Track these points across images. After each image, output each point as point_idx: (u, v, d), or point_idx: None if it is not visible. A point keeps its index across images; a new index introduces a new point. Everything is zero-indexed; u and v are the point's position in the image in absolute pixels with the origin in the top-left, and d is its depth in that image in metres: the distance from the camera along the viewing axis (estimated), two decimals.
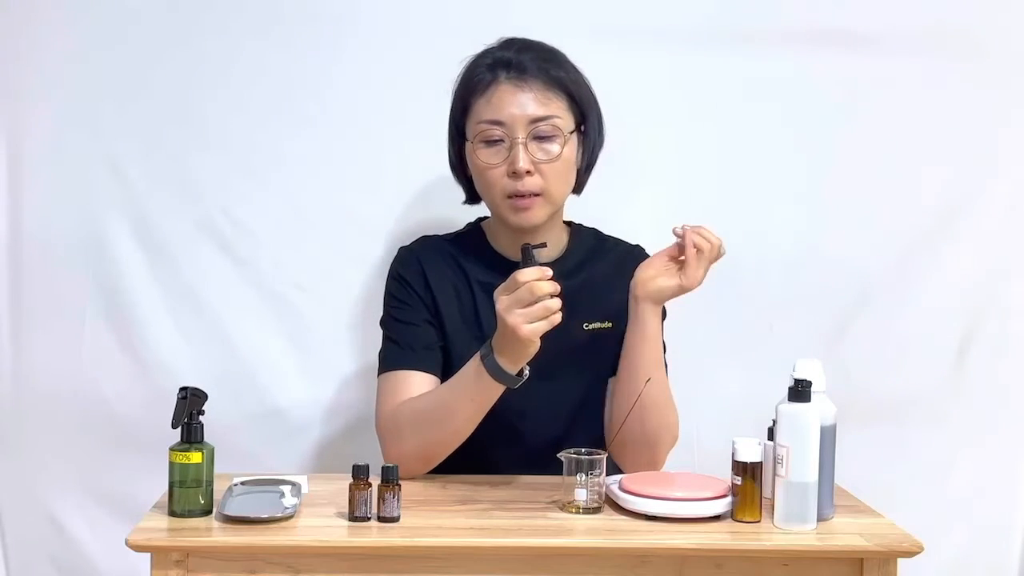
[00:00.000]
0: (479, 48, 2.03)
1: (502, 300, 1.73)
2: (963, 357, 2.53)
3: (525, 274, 1.71)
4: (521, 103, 1.90)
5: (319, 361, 2.46)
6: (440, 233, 2.15)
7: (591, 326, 2.00)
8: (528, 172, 1.89)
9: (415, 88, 2.42)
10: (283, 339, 2.46)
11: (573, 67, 1.98)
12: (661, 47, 2.44)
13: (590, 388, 1.99)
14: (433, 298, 1.98)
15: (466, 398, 1.83)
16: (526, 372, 1.79)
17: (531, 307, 1.70)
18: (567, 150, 1.93)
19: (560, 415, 1.99)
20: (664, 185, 2.47)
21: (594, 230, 2.12)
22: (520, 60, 1.92)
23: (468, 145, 1.94)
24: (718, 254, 1.89)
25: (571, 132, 1.94)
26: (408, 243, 2.11)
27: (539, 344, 1.74)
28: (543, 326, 1.71)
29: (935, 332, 2.53)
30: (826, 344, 2.45)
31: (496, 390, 1.80)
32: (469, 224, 2.14)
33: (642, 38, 2.43)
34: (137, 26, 2.40)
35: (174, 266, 2.43)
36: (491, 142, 1.91)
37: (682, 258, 1.88)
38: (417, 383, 1.93)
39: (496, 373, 1.77)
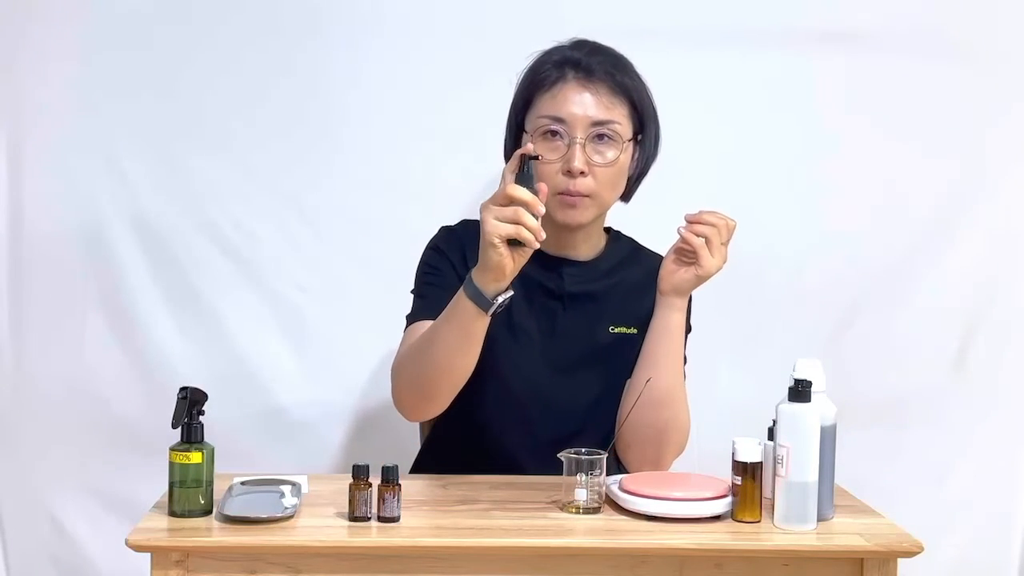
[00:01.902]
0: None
1: (485, 204, 1.74)
2: (963, 357, 2.54)
3: (507, 179, 1.74)
4: (584, 103, 1.90)
5: (319, 361, 2.47)
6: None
7: (616, 329, 2.00)
8: (582, 173, 1.89)
9: (418, 89, 2.42)
10: (283, 339, 2.46)
11: (639, 76, 1.98)
12: (660, 47, 2.44)
13: (608, 389, 1.99)
14: (469, 273, 1.98)
15: (447, 324, 1.81)
16: (499, 300, 1.75)
17: (503, 207, 1.70)
18: (623, 157, 1.93)
19: (577, 411, 1.99)
20: (663, 185, 2.47)
21: (632, 239, 2.12)
22: (589, 62, 1.93)
23: (526, 138, 1.94)
24: (728, 233, 1.88)
25: (629, 140, 1.94)
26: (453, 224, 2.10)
27: (508, 260, 1.71)
28: (508, 228, 1.68)
29: (935, 332, 2.53)
30: (826, 344, 2.45)
31: (473, 315, 1.76)
32: None
33: (643, 38, 2.43)
34: (138, 26, 2.40)
35: (174, 266, 2.43)
36: (550, 138, 1.91)
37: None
38: None
39: (470, 290, 1.75)
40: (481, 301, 1.75)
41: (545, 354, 1.99)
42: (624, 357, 1.99)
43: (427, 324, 1.91)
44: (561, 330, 1.99)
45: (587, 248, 2.02)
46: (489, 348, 1.87)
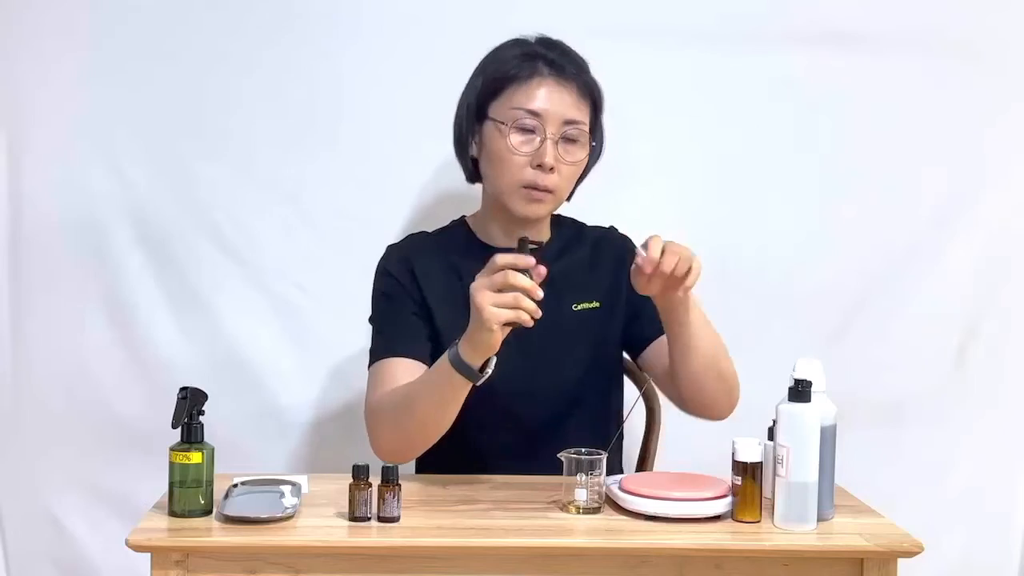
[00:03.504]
0: (480, 47, 2.03)
1: (477, 279, 1.70)
2: (963, 357, 2.54)
3: (505, 258, 1.68)
4: (560, 101, 1.93)
5: (319, 361, 2.47)
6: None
7: (579, 306, 2.02)
8: (551, 168, 1.92)
9: (417, 89, 2.42)
10: (283, 339, 2.46)
11: (596, 82, 2.01)
12: (660, 48, 2.45)
13: (589, 368, 2.00)
14: (421, 292, 1.99)
15: (431, 388, 1.81)
16: (488, 371, 1.75)
17: (502, 293, 1.67)
18: (583, 157, 1.97)
19: (560, 395, 2.00)
20: (663, 185, 2.48)
21: (573, 220, 2.13)
22: (561, 63, 1.95)
23: (490, 126, 1.95)
24: (690, 262, 1.78)
25: (589, 141, 1.97)
26: (398, 241, 2.11)
27: (500, 339, 1.69)
28: (508, 315, 1.66)
29: (935, 332, 2.53)
30: (826, 344, 2.45)
31: (459, 385, 1.76)
32: (453, 221, 2.14)
33: (642, 38, 2.44)
34: (138, 26, 2.40)
35: (174, 266, 2.43)
36: (524, 131, 1.93)
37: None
38: (403, 371, 1.92)
39: (457, 364, 1.74)
40: (470, 374, 1.74)
41: (516, 345, 1.97)
42: (591, 331, 2.02)
43: (395, 362, 1.92)
44: None
45: (537, 234, 2.04)
46: None
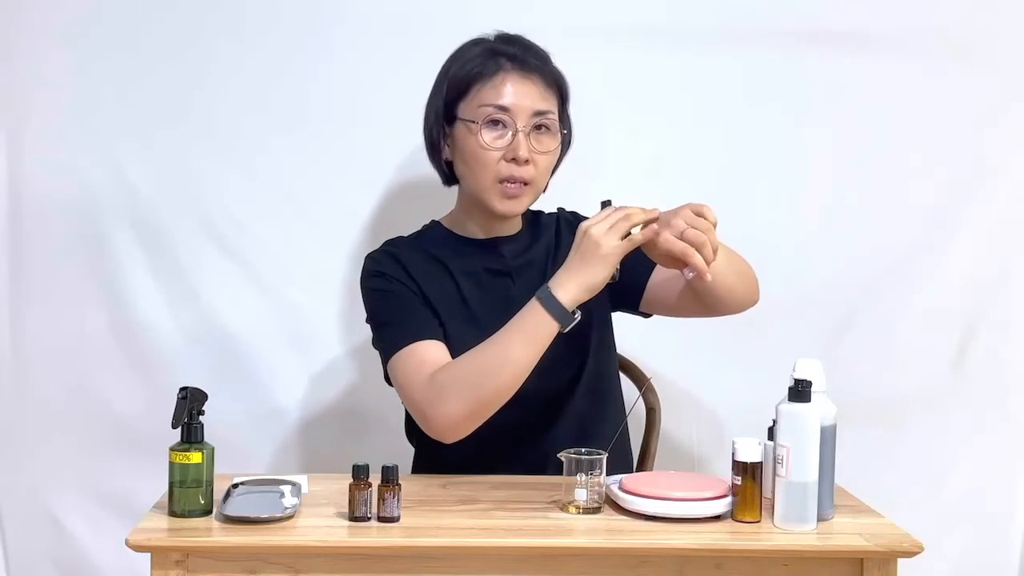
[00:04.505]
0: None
1: (585, 222, 1.81)
2: (963, 357, 2.54)
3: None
4: (526, 94, 1.94)
5: (319, 361, 2.47)
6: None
7: None
8: (526, 160, 1.93)
9: (421, 87, 2.42)
10: (283, 339, 2.46)
11: (560, 72, 2.02)
12: (661, 47, 2.45)
13: (582, 334, 1.98)
14: (418, 286, 1.98)
15: (519, 342, 1.82)
16: (578, 314, 1.81)
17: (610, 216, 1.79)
18: (557, 146, 1.98)
19: (556, 374, 1.97)
20: (663, 185, 2.47)
21: (529, 211, 2.12)
22: (524, 57, 1.97)
23: (460, 127, 1.96)
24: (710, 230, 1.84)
25: (560, 130, 1.99)
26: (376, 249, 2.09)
27: (611, 269, 1.78)
28: (618, 231, 1.77)
29: (935, 332, 2.53)
30: (826, 344, 2.45)
31: (550, 330, 1.80)
32: (425, 225, 2.13)
33: (642, 38, 2.44)
34: (137, 27, 2.40)
35: (174, 266, 2.43)
36: (494, 126, 1.94)
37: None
38: (436, 350, 1.91)
39: (551, 305, 1.79)
40: (564, 316, 1.79)
41: None
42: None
43: (426, 344, 1.90)
44: (518, 303, 1.98)
45: (512, 225, 2.06)
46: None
